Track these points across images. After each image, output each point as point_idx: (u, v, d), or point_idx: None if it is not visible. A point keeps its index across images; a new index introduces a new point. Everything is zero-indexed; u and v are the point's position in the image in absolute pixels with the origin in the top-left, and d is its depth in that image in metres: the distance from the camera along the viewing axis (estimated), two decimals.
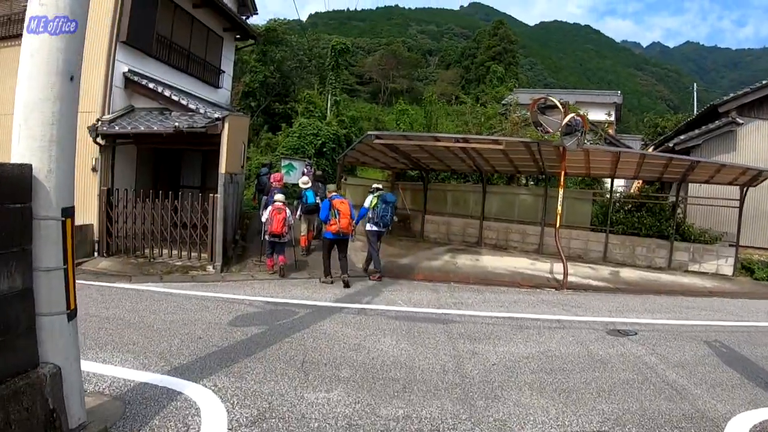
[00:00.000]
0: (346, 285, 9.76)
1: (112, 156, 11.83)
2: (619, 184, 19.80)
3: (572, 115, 10.78)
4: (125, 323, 6.69)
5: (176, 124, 10.55)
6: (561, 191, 11.31)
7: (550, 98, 11.06)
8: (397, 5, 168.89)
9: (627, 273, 13.30)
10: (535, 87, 60.12)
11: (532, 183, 20.09)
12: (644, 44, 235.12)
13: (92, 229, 11.68)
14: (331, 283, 10.02)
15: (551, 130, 11.17)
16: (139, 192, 11.46)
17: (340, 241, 10.05)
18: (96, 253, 11.63)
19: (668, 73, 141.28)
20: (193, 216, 11.10)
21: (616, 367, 5.83)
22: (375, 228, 10.78)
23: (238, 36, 18.13)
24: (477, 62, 69.77)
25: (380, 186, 11.48)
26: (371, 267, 11.03)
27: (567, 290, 10.83)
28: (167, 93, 11.91)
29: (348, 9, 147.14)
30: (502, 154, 13.13)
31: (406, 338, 6.48)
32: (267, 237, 10.71)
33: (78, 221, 11.63)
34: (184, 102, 11.70)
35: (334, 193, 10.25)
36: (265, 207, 11.80)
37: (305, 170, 20.16)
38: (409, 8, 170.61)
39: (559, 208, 11.29)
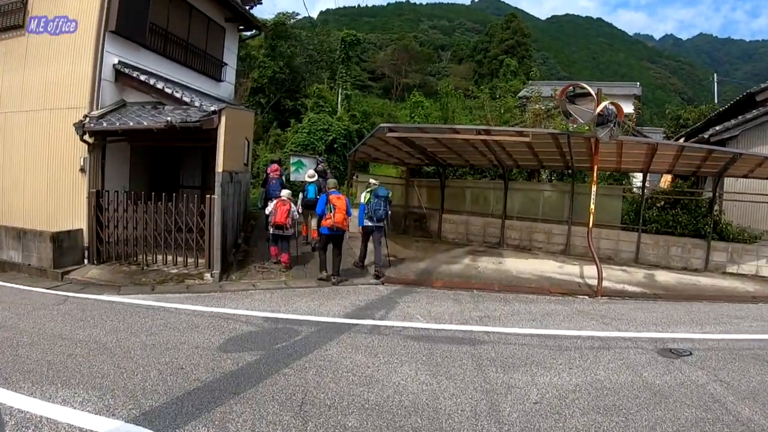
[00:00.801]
0: (335, 283, 9.84)
1: (102, 155, 10.90)
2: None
3: (606, 103, 9.69)
4: (99, 348, 5.75)
5: (168, 118, 9.58)
6: (594, 188, 10.25)
7: (581, 85, 9.97)
8: (408, 1, 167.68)
9: (663, 276, 12.18)
10: (550, 80, 58.82)
11: (554, 178, 18.93)
12: (657, 37, 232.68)
13: (82, 234, 10.80)
14: (327, 279, 9.95)
15: (582, 121, 10.12)
16: (137, 194, 10.61)
17: (335, 237, 10.02)
18: (86, 261, 10.77)
19: (682, 66, 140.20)
20: (189, 219, 10.18)
21: (680, 401, 4.80)
22: (369, 223, 10.72)
23: (241, 27, 17.13)
24: (490, 56, 69.05)
25: (374, 181, 11.57)
26: (367, 261, 11.23)
27: (602, 298, 9.75)
28: (160, 85, 10.93)
29: (358, 5, 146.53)
30: (526, 147, 12.05)
31: (427, 366, 5.45)
32: (271, 229, 10.81)
33: (67, 226, 10.88)
34: (178, 95, 10.73)
35: (332, 189, 10.27)
36: (265, 200, 12.34)
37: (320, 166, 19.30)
38: (420, 3, 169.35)
39: (592, 206, 10.22)
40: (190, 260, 10.43)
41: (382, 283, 9.97)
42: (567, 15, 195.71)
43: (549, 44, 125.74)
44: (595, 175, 10.31)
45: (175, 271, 10.23)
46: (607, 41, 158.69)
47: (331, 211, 9.68)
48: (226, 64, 16.13)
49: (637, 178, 17.65)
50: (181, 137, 10.45)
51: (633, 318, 8.25)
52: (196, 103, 10.35)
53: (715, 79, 52.07)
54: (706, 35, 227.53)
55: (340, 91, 32.25)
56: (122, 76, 11.18)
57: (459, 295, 9.27)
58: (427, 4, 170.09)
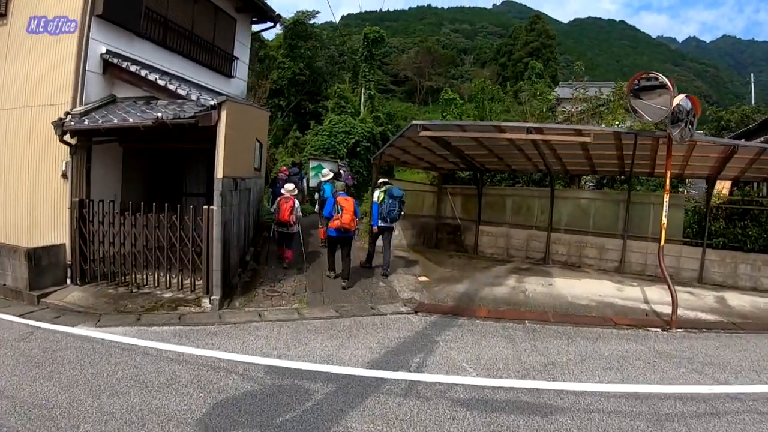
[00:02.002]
0: (344, 288, 9.69)
1: (88, 158, 9.38)
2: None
3: (682, 96, 7.99)
4: (42, 416, 4.24)
5: (158, 114, 8.03)
6: (666, 197, 8.51)
7: (653, 74, 8.22)
8: (429, 5, 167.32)
9: (734, 300, 10.38)
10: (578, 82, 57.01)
11: (592, 185, 17.12)
12: (680, 39, 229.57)
13: (64, 250, 9.33)
14: (336, 278, 10.13)
15: (649, 119, 8.42)
16: (126, 204, 9.14)
17: (343, 239, 9.95)
18: (69, 280, 9.27)
19: (706, 69, 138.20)
20: (184, 234, 8.63)
21: None
22: (382, 224, 10.64)
23: (254, 18, 15.56)
24: (514, 59, 67.54)
25: (387, 180, 11.37)
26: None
27: (677, 330, 8.01)
28: (152, 77, 9.38)
29: (380, 9, 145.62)
30: (580, 149, 10.40)
31: None
32: (275, 227, 10.97)
33: (48, 240, 9.17)
34: (172, 87, 9.16)
35: (340, 191, 10.40)
36: (273, 198, 12.28)
37: (342, 172, 18.04)
38: (442, 7, 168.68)
39: (664, 219, 8.50)
40: (186, 281, 8.88)
41: (416, 312, 8.30)
42: (589, 18, 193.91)
43: (572, 48, 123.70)
44: (668, 182, 8.58)
45: (168, 295, 8.67)
46: (630, 44, 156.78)
47: (338, 213, 9.66)
48: (237, 59, 14.58)
49: (694, 185, 15.95)
50: (178, 137, 8.98)
51: (726, 361, 6.53)
52: (193, 97, 8.68)
53: (752, 80, 50.51)
54: (729, 37, 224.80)
55: (362, 92, 30.73)
56: (111, 67, 9.67)
57: (510, 329, 7.55)
58: (449, 8, 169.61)
